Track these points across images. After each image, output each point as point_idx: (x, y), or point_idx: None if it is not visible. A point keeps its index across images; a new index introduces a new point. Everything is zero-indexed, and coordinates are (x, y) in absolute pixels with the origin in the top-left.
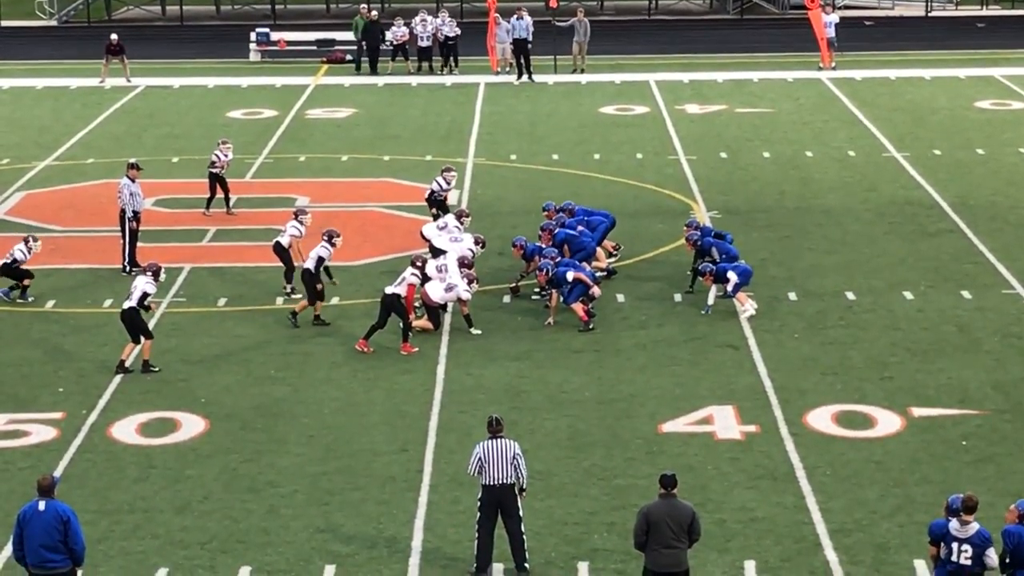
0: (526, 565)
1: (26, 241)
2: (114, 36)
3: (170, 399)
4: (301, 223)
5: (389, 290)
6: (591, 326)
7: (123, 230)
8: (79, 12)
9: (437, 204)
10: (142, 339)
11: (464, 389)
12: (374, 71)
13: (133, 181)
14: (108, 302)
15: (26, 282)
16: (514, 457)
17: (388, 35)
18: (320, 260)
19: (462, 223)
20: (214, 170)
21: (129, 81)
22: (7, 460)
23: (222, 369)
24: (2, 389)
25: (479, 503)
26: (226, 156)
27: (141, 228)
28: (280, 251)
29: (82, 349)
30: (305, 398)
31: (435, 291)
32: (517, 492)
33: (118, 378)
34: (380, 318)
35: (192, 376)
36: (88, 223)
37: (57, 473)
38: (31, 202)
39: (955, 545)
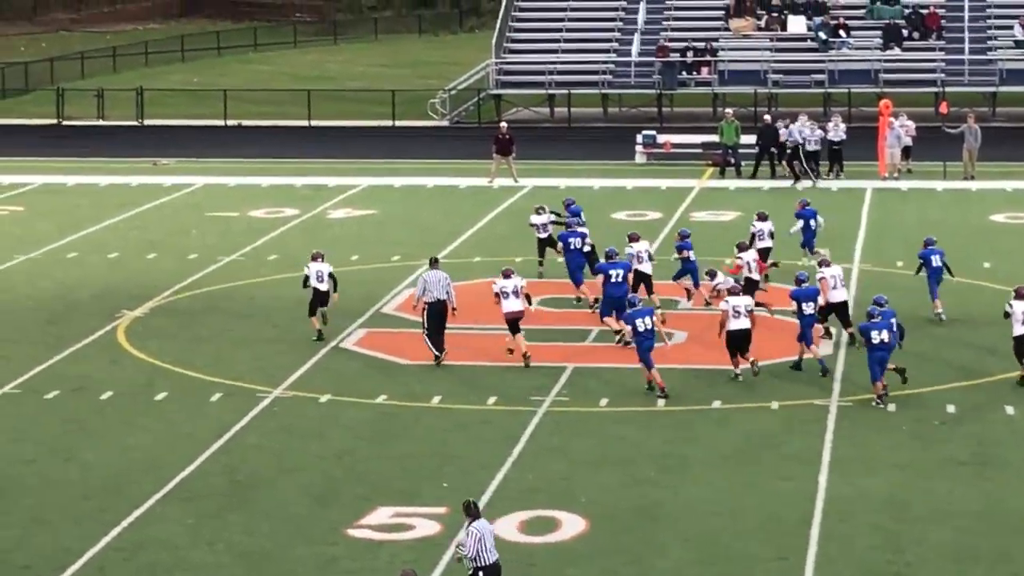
0: None
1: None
2: (504, 124)
3: (551, 497)
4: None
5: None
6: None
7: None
8: (470, 113)
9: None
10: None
11: (845, 498)
12: (773, 175)
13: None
14: (492, 399)
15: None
16: None
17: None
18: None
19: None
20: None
21: (516, 181)
22: (392, 553)
23: (602, 469)
24: (388, 482)
25: None
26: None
27: (528, 326)
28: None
29: (466, 445)
30: (683, 500)
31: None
32: None
33: (500, 475)
34: None
35: (573, 475)
36: (473, 320)
37: (439, 570)
38: None
39: None
